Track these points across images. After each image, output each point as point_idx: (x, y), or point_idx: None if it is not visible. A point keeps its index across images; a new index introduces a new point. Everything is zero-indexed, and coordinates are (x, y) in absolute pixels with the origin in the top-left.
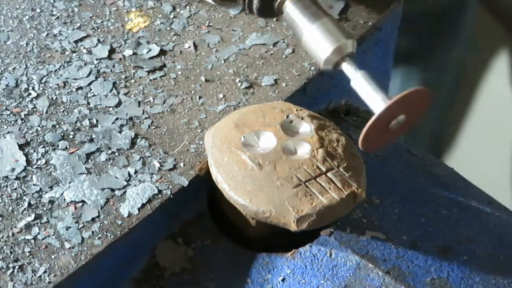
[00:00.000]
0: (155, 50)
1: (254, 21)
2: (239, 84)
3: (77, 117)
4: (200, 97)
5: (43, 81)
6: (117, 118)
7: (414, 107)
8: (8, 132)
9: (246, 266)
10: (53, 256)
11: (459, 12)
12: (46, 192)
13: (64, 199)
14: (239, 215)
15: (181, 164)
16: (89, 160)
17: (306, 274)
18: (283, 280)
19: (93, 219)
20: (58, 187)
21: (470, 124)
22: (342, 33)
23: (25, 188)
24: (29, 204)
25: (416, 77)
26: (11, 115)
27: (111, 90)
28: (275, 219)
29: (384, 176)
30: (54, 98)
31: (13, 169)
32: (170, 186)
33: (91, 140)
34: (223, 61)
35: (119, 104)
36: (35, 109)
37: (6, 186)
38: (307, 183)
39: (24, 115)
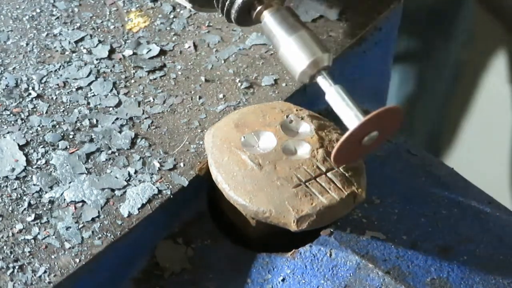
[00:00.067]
0: (155, 50)
1: None
2: (239, 84)
3: (77, 117)
4: (200, 97)
5: (43, 81)
6: (117, 118)
7: (387, 124)
8: (8, 132)
9: (246, 266)
10: (53, 256)
11: (457, 11)
12: (46, 192)
13: (64, 199)
14: (239, 215)
15: (181, 164)
16: (89, 160)
17: (306, 274)
18: (283, 280)
19: (93, 219)
20: (58, 187)
21: (469, 123)
22: (319, 47)
23: (25, 188)
24: (29, 204)
25: (414, 76)
26: (11, 115)
27: (111, 90)
28: (275, 219)
29: (384, 176)
30: (54, 98)
31: (13, 169)
32: (170, 186)
33: (91, 140)
34: (223, 61)
35: (119, 104)
36: (35, 109)
37: (6, 186)
38: (307, 183)
39: (24, 115)
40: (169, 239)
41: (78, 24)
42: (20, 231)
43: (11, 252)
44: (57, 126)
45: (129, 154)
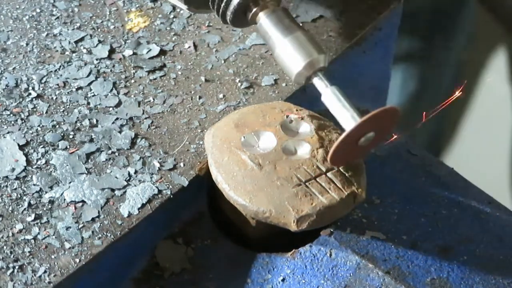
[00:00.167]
0: (155, 50)
1: None
2: (239, 84)
3: (77, 117)
4: (200, 97)
5: (43, 81)
6: (117, 118)
7: (383, 125)
8: (8, 132)
9: (246, 266)
10: (53, 256)
11: (458, 11)
12: (46, 192)
13: (64, 199)
14: (239, 215)
15: (181, 164)
16: (89, 160)
17: (306, 274)
18: (283, 280)
19: (93, 219)
20: (58, 187)
21: (469, 123)
22: (315, 48)
23: (25, 188)
24: (29, 204)
25: (415, 76)
26: (11, 115)
27: (111, 90)
28: (275, 219)
29: (384, 176)
30: (54, 98)
31: (13, 169)
32: (170, 186)
33: (91, 140)
34: (223, 61)
35: (119, 104)
36: (35, 109)
37: (6, 186)
38: (307, 183)
39: (24, 115)
40: (169, 239)
41: (78, 24)
42: (20, 231)
43: (11, 252)
44: (57, 126)
45: (129, 154)
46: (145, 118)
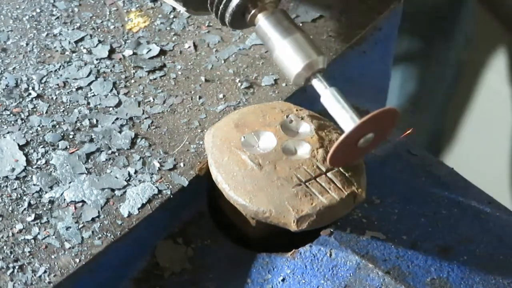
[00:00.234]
0: (155, 50)
1: None
2: (239, 84)
3: (77, 117)
4: (200, 97)
5: (43, 81)
6: (117, 118)
7: (383, 126)
8: (8, 132)
9: (246, 266)
10: (53, 256)
11: (458, 11)
12: (46, 192)
13: (64, 199)
14: (239, 215)
15: (181, 164)
16: (89, 160)
17: (306, 274)
18: (283, 280)
19: (93, 219)
20: (58, 187)
21: (469, 123)
22: (314, 49)
23: (25, 188)
24: (29, 204)
25: (414, 76)
26: (11, 115)
27: (111, 90)
28: (275, 219)
29: (384, 176)
30: (54, 98)
31: (13, 169)
32: (170, 186)
33: (91, 140)
34: (223, 61)
35: (119, 104)
36: (35, 109)
37: (6, 186)
38: (307, 183)
39: (24, 115)
40: (169, 239)
41: (78, 24)
42: (20, 231)
43: (11, 252)
44: (57, 126)
45: (129, 154)
46: (145, 118)
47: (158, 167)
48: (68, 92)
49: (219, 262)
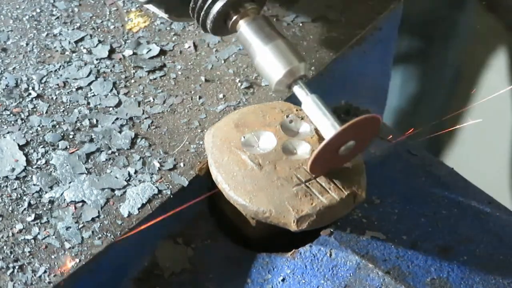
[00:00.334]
0: (155, 50)
1: None
2: (239, 84)
3: (77, 117)
4: (200, 97)
5: (43, 81)
6: (117, 118)
7: (364, 134)
8: (8, 132)
9: (246, 266)
10: (53, 256)
11: (458, 11)
12: (46, 192)
13: (64, 199)
14: (239, 215)
15: (181, 164)
16: (89, 160)
17: (306, 274)
18: (283, 280)
19: (93, 219)
20: (58, 187)
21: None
22: (295, 56)
23: (25, 188)
24: (29, 204)
25: (414, 76)
26: (11, 115)
27: (111, 90)
28: (275, 219)
29: (384, 176)
30: (54, 98)
31: (13, 169)
32: (170, 186)
33: (91, 140)
34: (223, 61)
35: (119, 104)
36: (35, 109)
37: (6, 186)
38: (307, 183)
39: (24, 115)
40: (169, 239)
41: (78, 24)
42: (20, 231)
43: (11, 252)
44: (57, 126)
45: (129, 154)
46: (145, 118)
47: (158, 167)
48: (68, 92)
49: (219, 262)
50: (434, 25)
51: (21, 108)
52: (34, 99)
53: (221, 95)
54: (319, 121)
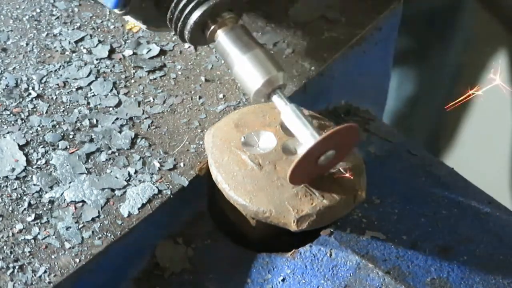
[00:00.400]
0: (155, 50)
1: (254, 21)
2: (239, 84)
3: (77, 117)
4: (200, 97)
5: (43, 81)
6: (117, 118)
7: (343, 143)
8: (8, 132)
9: (246, 266)
10: (53, 256)
11: (457, 11)
12: (46, 192)
13: (64, 199)
14: (239, 215)
15: (181, 164)
16: (89, 160)
17: (306, 274)
18: (283, 280)
19: (93, 219)
20: (58, 187)
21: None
22: (274, 65)
23: (25, 188)
24: (29, 204)
25: (414, 76)
26: (11, 115)
27: (111, 90)
28: (275, 219)
29: (384, 176)
30: (54, 98)
31: (13, 169)
32: (170, 186)
33: (91, 140)
34: (223, 61)
35: (119, 104)
36: (35, 109)
37: (6, 186)
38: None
39: (24, 115)
40: (169, 239)
41: (78, 24)
42: (20, 231)
43: (11, 252)
44: (57, 126)
45: (129, 154)
46: (145, 118)
47: (158, 167)
48: (68, 92)
49: (219, 262)
50: (432, 27)
51: (21, 108)
52: (34, 99)
53: (221, 95)
54: (298, 130)
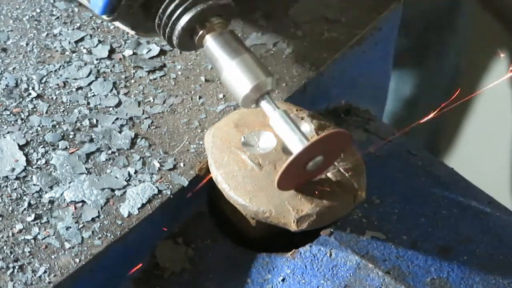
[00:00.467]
0: (155, 50)
1: (254, 21)
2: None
3: (77, 117)
4: (200, 97)
5: (43, 81)
6: (117, 118)
7: (332, 149)
8: (8, 132)
9: (246, 266)
10: (53, 256)
11: (457, 12)
12: (46, 192)
13: (64, 199)
14: (239, 215)
15: (181, 164)
16: (89, 160)
17: (306, 274)
18: (283, 280)
19: (93, 219)
20: (58, 187)
21: (469, 123)
22: (262, 70)
23: (25, 188)
24: (29, 204)
25: (414, 75)
26: (11, 115)
27: (111, 90)
28: (275, 219)
29: (384, 176)
30: (54, 98)
31: (13, 169)
32: (170, 186)
33: (91, 140)
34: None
35: (119, 104)
36: (35, 109)
37: (6, 186)
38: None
39: (24, 115)
40: (169, 239)
41: (78, 24)
42: (20, 231)
43: (11, 252)
44: (57, 126)
45: (129, 154)
46: (145, 118)
47: (158, 167)
48: (68, 92)
49: (219, 262)
50: (432, 28)
51: (21, 108)
52: (34, 99)
53: (221, 95)
54: (286, 136)
